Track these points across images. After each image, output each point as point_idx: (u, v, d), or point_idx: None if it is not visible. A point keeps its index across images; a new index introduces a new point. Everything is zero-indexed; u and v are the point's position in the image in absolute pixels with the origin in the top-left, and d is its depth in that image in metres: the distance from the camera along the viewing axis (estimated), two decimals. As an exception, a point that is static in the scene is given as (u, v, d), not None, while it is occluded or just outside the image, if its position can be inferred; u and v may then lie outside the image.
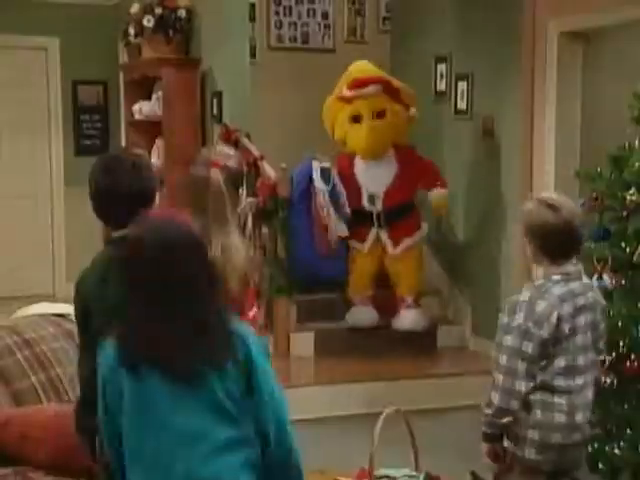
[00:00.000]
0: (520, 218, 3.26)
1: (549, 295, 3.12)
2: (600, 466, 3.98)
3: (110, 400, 2.33)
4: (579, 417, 3.20)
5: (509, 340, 3.09)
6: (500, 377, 3.09)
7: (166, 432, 2.28)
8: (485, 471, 3.50)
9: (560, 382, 3.14)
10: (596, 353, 3.29)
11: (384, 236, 6.25)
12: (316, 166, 6.12)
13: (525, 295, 3.14)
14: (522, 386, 3.08)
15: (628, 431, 3.98)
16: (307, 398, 5.73)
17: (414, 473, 2.93)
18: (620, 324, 3.99)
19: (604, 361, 3.92)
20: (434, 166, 6.40)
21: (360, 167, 6.25)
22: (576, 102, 5.88)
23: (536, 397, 3.13)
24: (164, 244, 2.31)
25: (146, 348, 2.29)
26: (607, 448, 3.99)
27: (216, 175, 3.20)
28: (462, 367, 6.29)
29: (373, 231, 6.27)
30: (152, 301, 2.30)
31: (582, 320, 3.18)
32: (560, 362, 3.13)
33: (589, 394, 3.23)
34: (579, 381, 3.18)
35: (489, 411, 3.13)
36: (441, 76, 6.97)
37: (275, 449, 2.39)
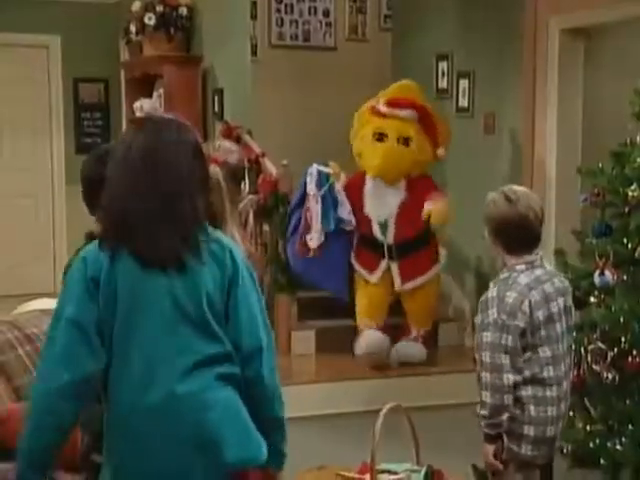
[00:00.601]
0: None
1: (516, 285, 3.13)
2: (602, 462, 3.98)
3: (104, 303, 2.30)
4: (562, 406, 3.23)
5: (488, 337, 3.08)
6: (487, 375, 3.07)
7: (152, 343, 2.29)
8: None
9: (550, 373, 3.15)
10: (570, 335, 3.31)
11: (394, 269, 5.97)
12: (312, 170, 5.89)
13: (493, 291, 3.15)
14: (510, 380, 3.07)
15: (630, 427, 3.97)
16: (308, 395, 5.73)
17: (416, 467, 2.92)
18: (622, 320, 3.99)
19: (606, 356, 3.93)
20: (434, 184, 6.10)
21: (369, 189, 5.93)
22: (577, 99, 5.88)
23: (528, 392, 3.13)
24: (159, 142, 2.33)
25: (129, 236, 2.30)
26: (609, 444, 3.99)
27: (215, 171, 3.12)
28: (462, 365, 6.28)
29: (384, 262, 5.98)
30: (142, 198, 2.30)
31: (555, 307, 3.19)
32: (546, 352, 3.14)
33: (568, 380, 3.26)
34: (563, 368, 3.21)
35: (485, 412, 3.11)
36: (442, 74, 6.97)
37: (247, 371, 2.38)
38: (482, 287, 6.70)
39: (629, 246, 4.09)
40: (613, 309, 4.02)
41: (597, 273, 4.06)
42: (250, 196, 6.21)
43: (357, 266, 6.09)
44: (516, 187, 3.31)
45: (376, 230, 5.93)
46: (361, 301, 6.10)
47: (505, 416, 3.09)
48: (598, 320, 4.03)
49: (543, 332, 3.13)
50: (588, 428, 4.04)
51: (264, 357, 2.39)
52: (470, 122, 6.65)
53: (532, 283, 3.15)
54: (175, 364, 2.29)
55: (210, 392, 2.33)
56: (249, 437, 2.36)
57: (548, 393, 3.14)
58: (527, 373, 3.13)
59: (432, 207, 5.82)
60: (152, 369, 2.29)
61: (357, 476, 2.83)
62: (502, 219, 3.15)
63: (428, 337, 6.25)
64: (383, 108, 5.83)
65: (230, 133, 6.71)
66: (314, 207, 5.86)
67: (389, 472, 2.87)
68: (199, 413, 2.30)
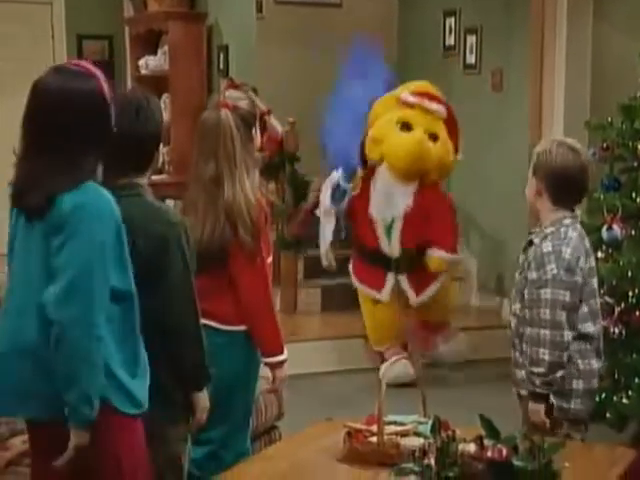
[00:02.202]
0: (535, 158, 3.16)
1: (569, 240, 3.08)
2: (608, 415, 3.99)
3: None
4: (602, 359, 3.21)
5: (548, 293, 3.04)
6: (547, 332, 3.03)
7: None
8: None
9: (590, 328, 3.13)
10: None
11: (404, 283, 5.28)
12: (332, 178, 5.23)
13: (547, 246, 3.07)
14: (569, 336, 3.05)
15: (636, 380, 3.99)
16: (314, 352, 5.75)
17: (423, 419, 2.93)
18: (629, 274, 3.98)
19: (613, 311, 3.93)
20: (450, 217, 5.30)
21: (379, 186, 5.13)
22: (586, 53, 5.82)
23: (573, 347, 3.10)
24: (51, 90, 2.37)
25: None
26: (615, 398, 4.00)
27: (226, 116, 3.05)
28: (468, 323, 6.30)
29: (390, 276, 5.28)
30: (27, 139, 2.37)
31: (592, 263, 3.18)
32: (584, 307, 3.11)
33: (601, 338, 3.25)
34: (599, 325, 3.19)
35: (541, 369, 3.06)
36: (450, 30, 6.92)
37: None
38: (488, 245, 6.72)
39: (638, 200, 4.08)
40: (621, 263, 4.01)
41: (605, 228, 4.05)
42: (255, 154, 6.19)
43: (362, 285, 5.41)
44: (568, 139, 3.25)
45: (381, 237, 5.19)
46: (373, 326, 5.50)
47: (560, 374, 3.07)
48: (605, 275, 4.02)
49: (586, 288, 3.12)
50: (595, 382, 4.05)
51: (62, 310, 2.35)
52: (477, 79, 6.61)
53: (579, 238, 3.12)
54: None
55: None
56: None
57: (589, 346, 3.13)
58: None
59: (436, 256, 5.17)
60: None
61: (364, 427, 2.83)
62: (563, 168, 3.07)
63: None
64: (411, 98, 5.14)
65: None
66: (326, 222, 5.30)
67: (396, 423, 2.87)
68: None
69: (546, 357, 3.04)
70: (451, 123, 5.23)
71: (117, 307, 2.35)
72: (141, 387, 2.42)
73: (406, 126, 5.08)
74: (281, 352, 3.17)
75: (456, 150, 5.26)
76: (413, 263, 5.20)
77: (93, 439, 2.31)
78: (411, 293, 5.28)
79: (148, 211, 2.59)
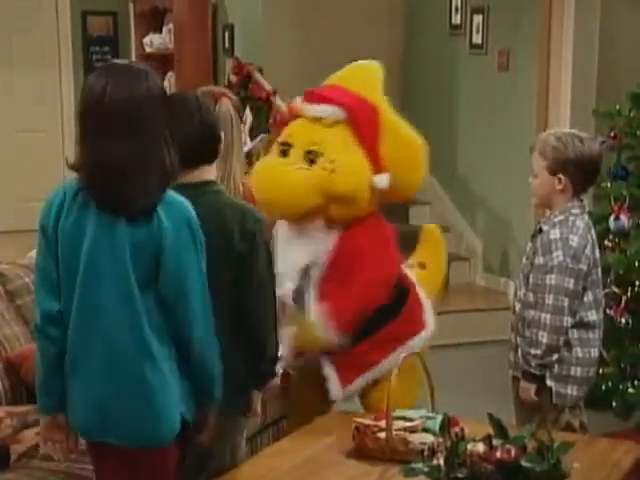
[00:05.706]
0: (553, 153, 3.14)
1: (577, 229, 3.13)
2: (614, 404, 4.02)
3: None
4: (600, 348, 3.28)
5: (552, 279, 3.10)
6: (548, 316, 3.10)
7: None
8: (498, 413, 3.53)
9: (593, 317, 3.18)
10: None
11: (327, 367, 3.39)
12: None
13: (555, 233, 3.12)
14: (568, 322, 3.11)
15: (642, 370, 4.02)
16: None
17: (431, 414, 2.95)
18: (636, 264, 3.99)
19: (620, 300, 3.95)
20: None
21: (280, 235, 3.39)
22: (594, 35, 5.79)
23: (574, 335, 3.16)
24: (126, 95, 2.35)
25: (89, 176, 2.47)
26: (621, 386, 4.03)
27: (227, 106, 3.10)
28: (474, 304, 6.32)
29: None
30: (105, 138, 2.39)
31: (597, 254, 3.22)
32: (589, 296, 3.17)
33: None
34: (601, 315, 3.24)
35: (538, 352, 3.14)
36: (456, 9, 6.87)
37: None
38: (494, 224, 6.71)
39: (645, 190, 4.08)
40: (628, 253, 4.03)
41: (612, 217, 4.05)
42: (262, 135, 6.17)
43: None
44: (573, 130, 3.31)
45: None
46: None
47: (555, 357, 3.14)
48: (612, 264, 4.04)
49: (590, 277, 3.17)
50: (601, 371, 4.07)
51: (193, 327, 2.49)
52: (484, 59, 6.57)
53: (586, 228, 3.17)
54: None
55: None
56: None
57: (591, 335, 3.19)
58: (576, 317, 3.16)
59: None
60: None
61: (373, 422, 2.85)
62: (590, 158, 3.14)
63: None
64: (297, 104, 3.45)
65: (240, 71, 6.65)
66: None
67: (405, 418, 2.89)
68: None
69: (544, 340, 3.11)
70: (362, 125, 3.33)
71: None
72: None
73: (284, 148, 3.37)
74: None
75: (377, 165, 3.30)
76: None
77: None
78: (335, 382, 3.41)
79: (236, 209, 2.69)
